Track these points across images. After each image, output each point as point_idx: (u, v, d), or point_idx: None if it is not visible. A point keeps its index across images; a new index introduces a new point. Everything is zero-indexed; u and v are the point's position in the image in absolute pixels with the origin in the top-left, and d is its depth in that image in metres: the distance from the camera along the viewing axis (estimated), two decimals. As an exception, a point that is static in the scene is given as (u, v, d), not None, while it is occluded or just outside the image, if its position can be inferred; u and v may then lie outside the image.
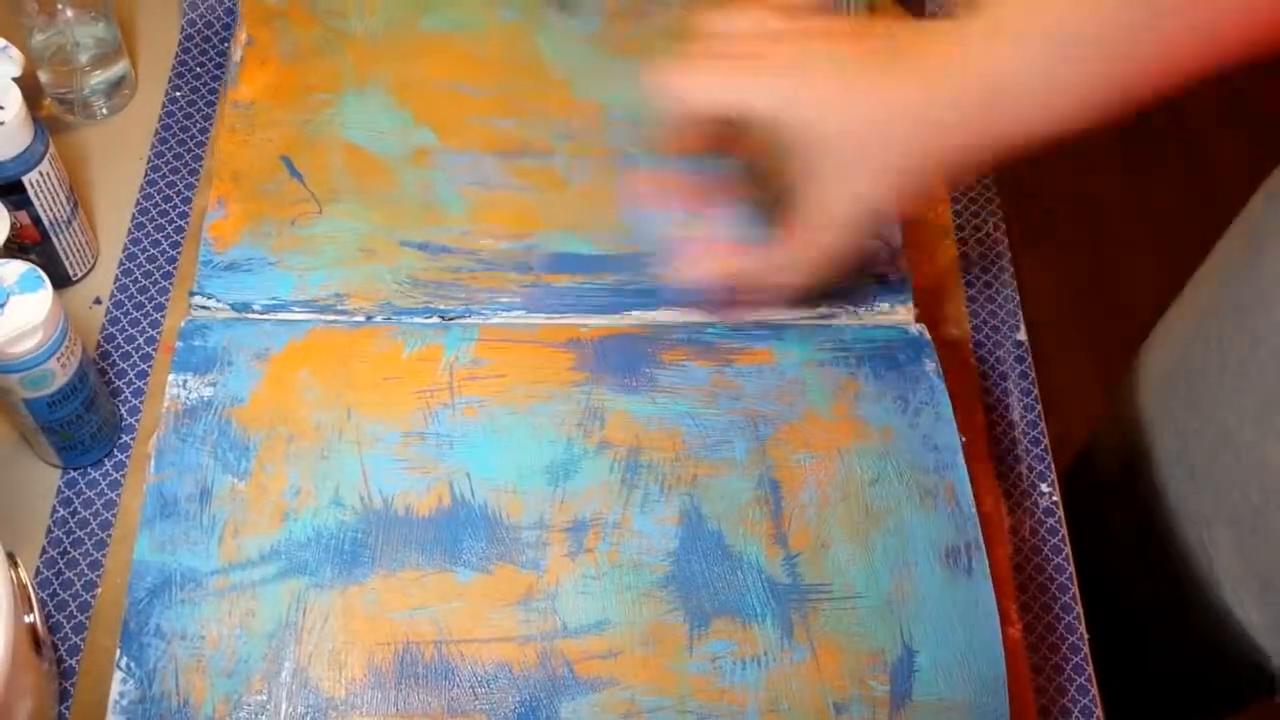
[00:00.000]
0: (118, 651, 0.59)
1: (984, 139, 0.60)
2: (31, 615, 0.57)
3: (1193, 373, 0.78)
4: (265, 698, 0.59)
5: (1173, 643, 0.88)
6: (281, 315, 0.70)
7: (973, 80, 0.59)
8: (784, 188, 0.64)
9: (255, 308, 0.70)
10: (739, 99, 0.62)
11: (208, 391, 0.66)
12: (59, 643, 0.64)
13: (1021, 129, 0.59)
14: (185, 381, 0.67)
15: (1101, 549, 0.84)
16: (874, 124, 0.60)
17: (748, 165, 0.71)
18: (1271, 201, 0.75)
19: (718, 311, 0.71)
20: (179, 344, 0.68)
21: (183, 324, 0.69)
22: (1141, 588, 0.87)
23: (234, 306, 0.70)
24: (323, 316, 0.70)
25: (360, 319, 0.70)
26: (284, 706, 0.59)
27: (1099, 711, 0.66)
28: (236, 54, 0.79)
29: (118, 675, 0.59)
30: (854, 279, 0.72)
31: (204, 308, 0.70)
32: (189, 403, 0.66)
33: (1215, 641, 0.79)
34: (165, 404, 0.66)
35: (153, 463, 0.64)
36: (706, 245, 0.70)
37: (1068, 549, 0.70)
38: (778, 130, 0.62)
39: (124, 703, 0.58)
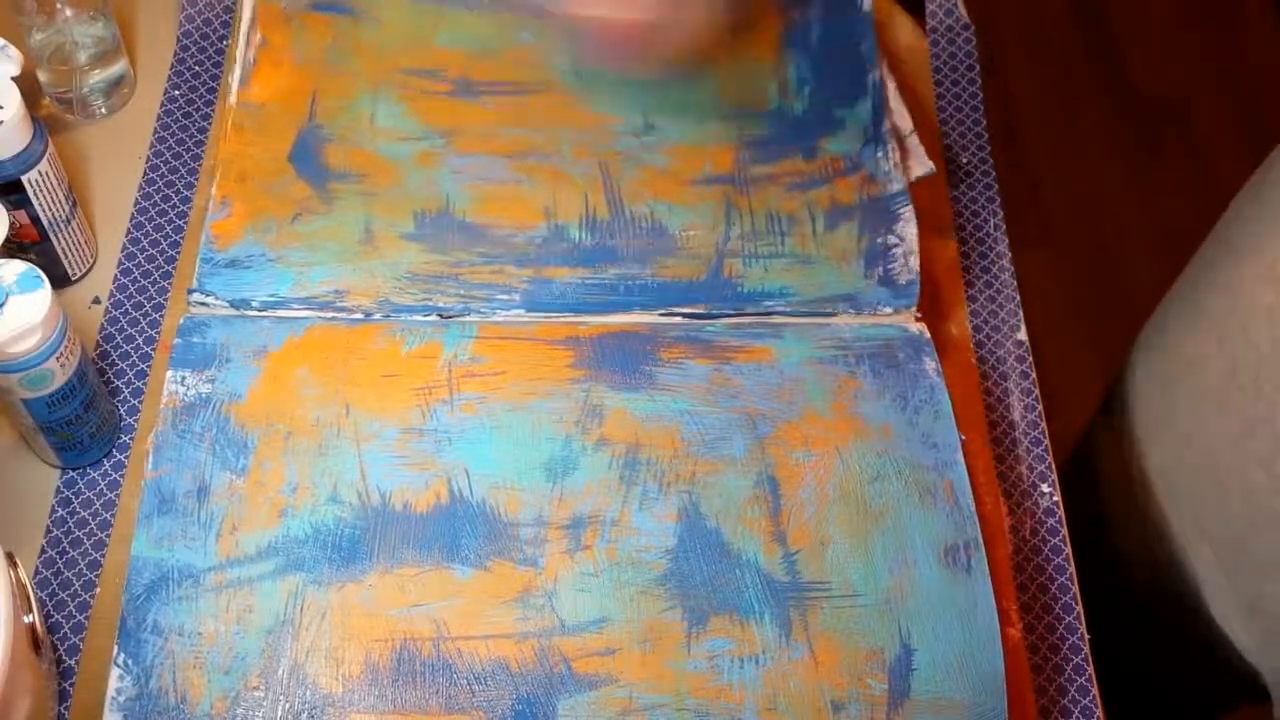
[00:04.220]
0: (115, 648, 0.59)
1: None
2: (30, 615, 0.57)
3: (1175, 395, 0.77)
4: (262, 694, 0.59)
5: (1171, 645, 0.87)
6: (280, 312, 0.70)
7: None
8: None
9: (254, 305, 0.70)
10: None
11: (206, 388, 0.66)
12: (58, 643, 0.64)
13: None
14: (183, 378, 0.67)
15: (1101, 549, 0.83)
16: None
17: None
18: (1245, 214, 0.74)
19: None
20: (177, 340, 0.68)
21: (181, 320, 0.69)
22: (1141, 590, 0.86)
23: (233, 304, 0.70)
24: (321, 314, 0.70)
25: (359, 316, 0.70)
26: (281, 703, 0.58)
27: (1099, 711, 0.66)
28: (249, 54, 0.78)
29: (115, 671, 0.59)
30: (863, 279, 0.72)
31: (203, 304, 0.70)
32: (187, 399, 0.66)
33: (1209, 650, 0.79)
34: (163, 400, 0.66)
35: (150, 458, 0.64)
36: None
37: (1068, 549, 0.70)
38: None
39: (121, 699, 0.58)
